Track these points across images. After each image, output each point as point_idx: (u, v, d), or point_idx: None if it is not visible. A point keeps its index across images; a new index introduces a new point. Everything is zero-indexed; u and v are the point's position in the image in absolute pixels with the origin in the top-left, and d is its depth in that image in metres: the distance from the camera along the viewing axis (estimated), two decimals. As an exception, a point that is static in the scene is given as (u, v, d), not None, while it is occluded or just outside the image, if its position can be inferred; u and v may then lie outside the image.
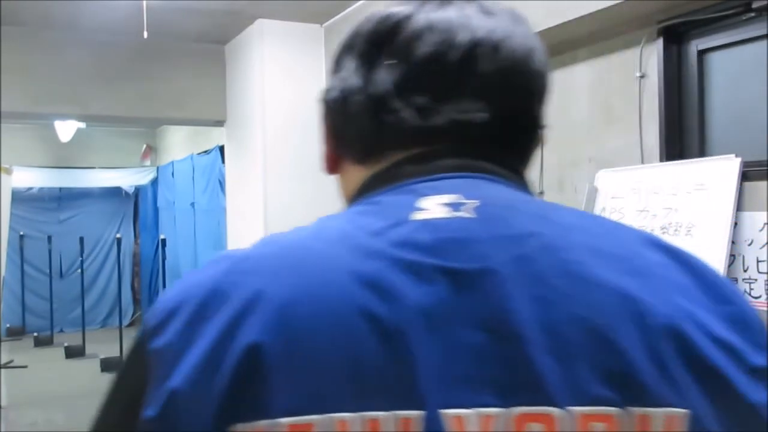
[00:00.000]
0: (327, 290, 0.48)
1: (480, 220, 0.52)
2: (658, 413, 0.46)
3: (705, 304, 0.51)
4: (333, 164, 0.66)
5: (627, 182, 2.52)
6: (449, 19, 0.60)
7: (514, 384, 0.46)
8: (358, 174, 0.63)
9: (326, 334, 0.46)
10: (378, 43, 0.61)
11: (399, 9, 0.62)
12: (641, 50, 2.57)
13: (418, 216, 0.52)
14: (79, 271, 8.30)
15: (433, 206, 0.53)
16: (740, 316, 0.51)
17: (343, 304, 0.47)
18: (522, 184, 0.60)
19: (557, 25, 2.67)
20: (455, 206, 0.53)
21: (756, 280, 2.11)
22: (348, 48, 0.64)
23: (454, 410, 0.45)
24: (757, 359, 0.49)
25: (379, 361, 0.46)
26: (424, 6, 0.61)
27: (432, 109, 0.58)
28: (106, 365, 6.74)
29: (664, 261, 0.52)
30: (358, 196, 0.61)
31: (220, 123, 5.28)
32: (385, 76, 0.59)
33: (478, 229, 0.51)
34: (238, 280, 0.50)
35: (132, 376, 0.52)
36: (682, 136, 2.52)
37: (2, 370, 6.27)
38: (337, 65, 0.65)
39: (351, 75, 0.61)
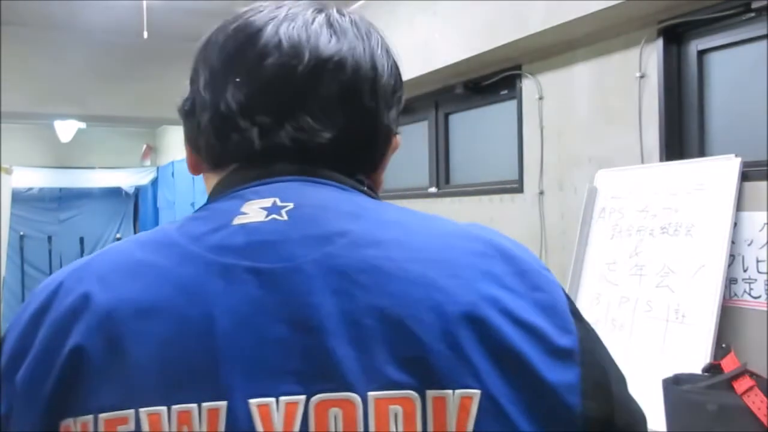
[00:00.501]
0: (145, 295, 0.52)
1: (291, 221, 0.56)
2: (451, 394, 0.50)
3: (517, 290, 0.54)
4: (195, 167, 0.69)
5: (627, 182, 2.52)
6: (297, 36, 0.62)
7: (316, 373, 0.50)
8: (212, 180, 0.66)
9: (142, 336, 0.51)
10: (229, 57, 0.64)
11: (253, 18, 0.65)
12: (641, 50, 2.57)
13: (237, 221, 0.56)
14: (79, 271, 8.30)
15: (253, 210, 0.57)
16: (549, 302, 0.55)
17: (157, 307, 0.52)
18: (357, 187, 0.63)
19: (557, 25, 2.67)
20: (272, 209, 0.56)
21: (756, 280, 2.11)
22: (202, 58, 0.67)
23: (258, 399, 0.49)
24: (562, 340, 0.53)
25: (188, 358, 0.50)
26: (276, 16, 0.64)
27: (273, 129, 0.61)
28: (106, 365, 6.74)
29: (480, 252, 0.56)
30: (205, 201, 0.65)
31: (220, 123, 5.28)
32: (232, 94, 0.62)
33: (289, 230, 0.55)
34: (73, 285, 0.55)
35: None
36: (682, 136, 2.52)
37: (2, 370, 6.27)
38: (194, 73, 0.68)
39: (203, 89, 0.65)
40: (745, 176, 2.15)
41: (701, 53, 2.47)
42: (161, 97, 4.97)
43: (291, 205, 0.57)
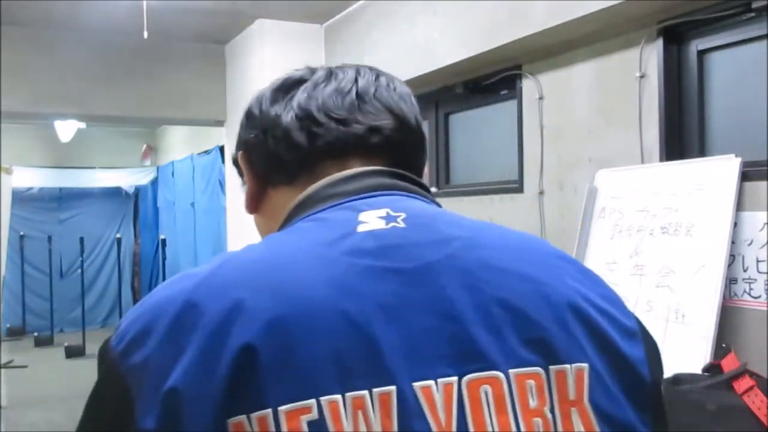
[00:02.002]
0: (301, 294, 0.56)
1: (409, 228, 0.63)
2: (569, 368, 0.59)
3: (586, 285, 0.65)
4: (256, 202, 0.78)
5: (627, 182, 2.52)
6: (346, 69, 0.76)
7: (463, 356, 0.57)
8: (287, 195, 0.72)
9: (308, 332, 0.54)
10: (285, 89, 0.75)
11: (297, 72, 0.77)
12: (641, 50, 2.57)
13: (362, 228, 0.63)
14: (79, 271, 8.30)
15: (372, 219, 0.64)
16: (609, 295, 0.66)
17: (317, 304, 0.56)
18: (430, 198, 0.73)
19: (557, 25, 2.67)
20: (388, 218, 0.64)
21: (756, 280, 2.11)
22: (256, 104, 0.78)
23: (421, 382, 0.55)
24: (628, 323, 0.65)
25: (353, 348, 0.55)
26: (317, 69, 0.77)
27: (348, 119, 0.71)
28: (106, 365, 6.74)
29: (552, 254, 0.67)
30: (295, 213, 0.70)
31: (220, 123, 5.28)
32: (302, 101, 0.73)
33: (410, 235, 0.63)
34: (211, 293, 0.57)
35: (106, 400, 0.58)
36: (682, 136, 2.52)
37: (2, 370, 6.27)
38: (248, 120, 0.78)
39: (265, 117, 0.75)
40: (745, 176, 2.15)
41: (701, 53, 2.47)
42: (161, 97, 4.97)
43: (404, 215, 0.65)
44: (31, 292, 8.79)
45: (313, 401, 0.52)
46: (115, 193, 9.16)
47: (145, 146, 9.15)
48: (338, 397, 0.53)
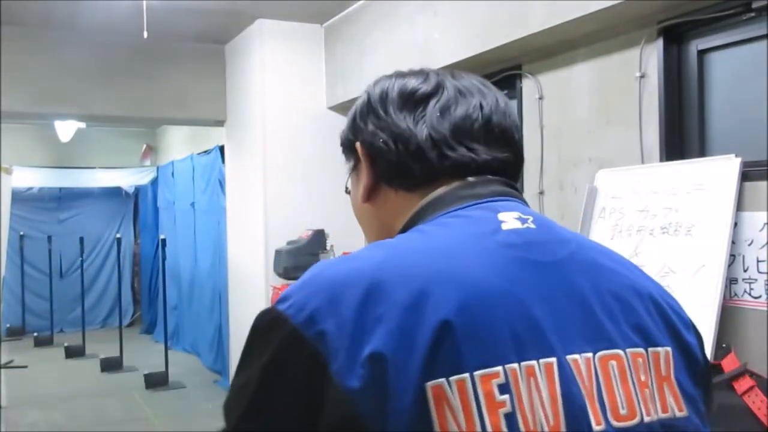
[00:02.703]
0: (476, 278, 0.66)
1: (539, 229, 0.74)
2: (661, 350, 0.72)
3: (652, 282, 0.77)
4: (371, 193, 0.84)
5: (627, 182, 2.52)
6: (468, 88, 0.83)
7: (595, 336, 0.68)
8: (406, 200, 0.81)
9: (489, 311, 0.65)
10: (414, 100, 0.81)
11: (421, 79, 0.83)
12: (641, 50, 2.57)
13: (506, 226, 0.73)
14: (79, 271, 8.30)
15: (510, 220, 0.74)
16: (666, 291, 0.78)
17: (491, 288, 0.66)
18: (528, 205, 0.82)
19: (557, 25, 2.67)
20: (522, 220, 0.74)
21: (756, 280, 2.11)
22: (380, 102, 0.83)
23: (571, 356, 0.66)
24: (685, 316, 0.77)
25: (523, 325, 0.65)
26: (443, 76, 0.84)
27: (478, 149, 0.80)
28: (106, 365, 6.74)
29: (620, 255, 0.79)
30: (428, 212, 0.78)
31: (220, 123, 5.28)
32: (438, 125, 0.80)
33: (542, 235, 0.73)
34: (395, 274, 0.65)
35: (290, 365, 0.63)
36: (682, 136, 2.52)
37: (2, 370, 6.27)
38: (370, 114, 0.83)
39: (398, 124, 0.81)
40: (745, 176, 2.15)
41: (701, 53, 2.47)
42: (161, 97, 4.97)
43: (531, 218, 0.75)
44: (31, 292, 8.79)
45: (500, 368, 0.62)
46: (115, 193, 9.15)
47: (145, 146, 9.14)
48: (516, 365, 0.63)
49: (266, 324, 0.66)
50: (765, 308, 2.08)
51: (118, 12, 4.18)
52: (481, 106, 0.81)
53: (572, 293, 0.70)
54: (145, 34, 3.78)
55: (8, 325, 8.40)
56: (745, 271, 2.13)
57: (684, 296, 2.19)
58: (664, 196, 2.35)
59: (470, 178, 0.79)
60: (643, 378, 0.69)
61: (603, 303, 0.70)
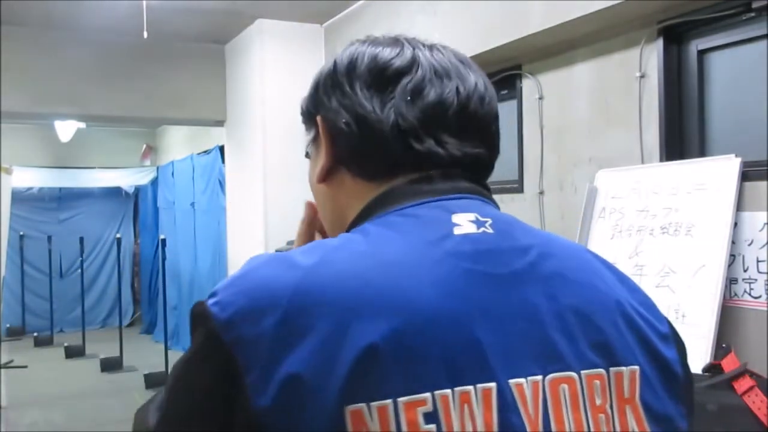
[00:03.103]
0: (415, 296, 0.60)
1: (497, 234, 0.67)
2: (625, 370, 0.65)
3: (626, 292, 0.71)
4: (327, 175, 0.77)
5: (627, 182, 2.52)
6: (445, 67, 0.74)
7: (546, 357, 0.62)
8: (362, 188, 0.74)
9: (422, 332, 0.59)
10: (384, 79, 0.73)
11: (395, 52, 0.74)
12: (641, 50, 2.57)
13: (458, 231, 0.66)
14: (79, 271, 8.30)
15: (465, 222, 0.67)
16: (645, 300, 0.72)
17: (429, 306, 0.60)
18: (496, 205, 0.75)
19: (557, 25, 2.67)
20: (478, 223, 0.67)
21: (756, 280, 2.11)
22: (347, 75, 0.74)
23: (515, 380, 0.60)
24: (662, 327, 0.71)
25: (460, 346, 0.59)
26: (419, 50, 0.75)
27: (448, 143, 0.72)
28: (106, 365, 6.74)
29: (600, 262, 0.73)
30: (378, 205, 0.72)
31: (220, 123, 5.28)
32: (407, 112, 0.71)
33: (498, 241, 0.67)
34: (327, 284, 0.60)
35: (208, 363, 0.59)
36: (682, 136, 2.52)
37: (2, 370, 6.27)
38: (335, 88, 0.75)
39: (363, 104, 0.72)
40: (745, 176, 2.15)
41: (701, 53, 2.47)
42: (161, 97, 4.97)
43: (490, 221, 0.68)
44: (31, 292, 8.79)
45: (428, 394, 0.57)
46: (115, 193, 9.15)
47: (144, 146, 9.14)
48: (449, 391, 0.58)
49: (194, 317, 0.62)
50: (765, 308, 2.08)
51: (118, 12, 4.18)
52: (458, 91, 0.73)
53: (524, 310, 0.63)
54: (145, 34, 3.78)
55: (8, 325, 8.40)
56: (745, 271, 2.13)
57: (684, 296, 2.19)
58: (664, 196, 2.35)
59: (432, 171, 0.72)
60: (598, 402, 0.63)
61: (560, 320, 0.64)
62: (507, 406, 0.59)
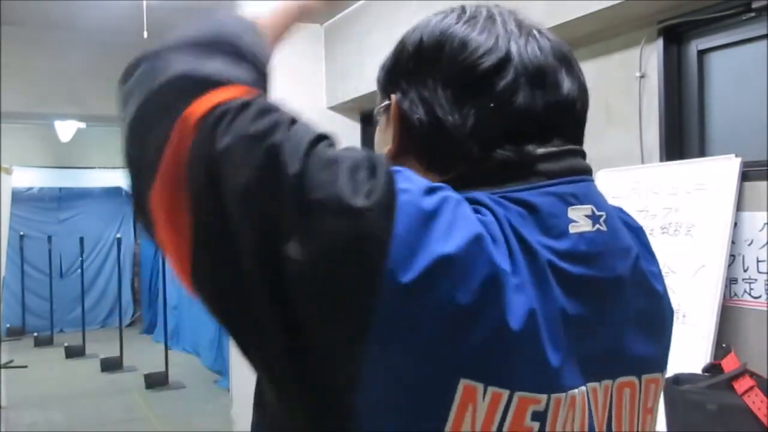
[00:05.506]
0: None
1: (609, 233, 0.65)
2: (660, 376, 0.72)
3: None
4: (394, 159, 0.69)
5: (627, 182, 2.52)
6: (542, 67, 0.66)
7: (619, 362, 0.66)
8: (435, 178, 0.65)
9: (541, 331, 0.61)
10: (472, 80, 0.65)
11: (488, 43, 0.66)
12: (641, 50, 2.57)
13: (573, 229, 0.63)
14: (79, 271, 8.30)
15: (581, 218, 0.63)
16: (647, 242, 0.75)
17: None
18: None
19: (557, 25, 2.67)
20: (594, 219, 0.64)
21: (756, 280, 2.11)
22: (431, 65, 0.67)
23: (592, 384, 0.64)
24: (654, 266, 0.72)
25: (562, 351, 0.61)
26: (514, 41, 0.67)
27: (531, 153, 0.65)
28: (106, 365, 6.74)
29: (658, 269, 0.75)
30: (462, 180, 0.64)
31: (220, 123, 5.28)
32: (490, 119, 0.64)
33: (609, 242, 0.65)
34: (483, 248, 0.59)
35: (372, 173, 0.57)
36: (682, 136, 2.52)
37: (2, 370, 6.27)
38: (416, 77, 0.68)
39: (443, 105, 0.65)
40: (745, 176, 2.15)
41: (701, 53, 2.47)
42: (161, 97, 4.96)
43: (604, 215, 0.65)
44: (31, 293, 8.79)
45: (544, 396, 0.58)
46: (115, 193, 9.15)
47: (145, 146, 9.13)
48: (563, 394, 0.59)
49: (375, 159, 0.59)
50: (765, 308, 2.08)
51: (118, 12, 4.18)
52: (548, 103, 0.66)
53: (609, 317, 0.64)
54: (145, 34, 3.79)
55: (8, 325, 8.40)
56: (745, 271, 2.13)
57: (684, 296, 2.19)
58: (664, 196, 2.35)
59: (552, 149, 0.67)
60: (650, 404, 0.69)
61: (636, 324, 0.67)
62: (590, 410, 0.62)
